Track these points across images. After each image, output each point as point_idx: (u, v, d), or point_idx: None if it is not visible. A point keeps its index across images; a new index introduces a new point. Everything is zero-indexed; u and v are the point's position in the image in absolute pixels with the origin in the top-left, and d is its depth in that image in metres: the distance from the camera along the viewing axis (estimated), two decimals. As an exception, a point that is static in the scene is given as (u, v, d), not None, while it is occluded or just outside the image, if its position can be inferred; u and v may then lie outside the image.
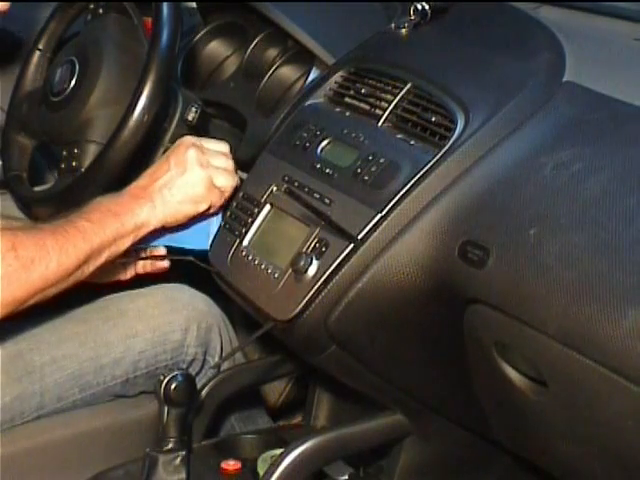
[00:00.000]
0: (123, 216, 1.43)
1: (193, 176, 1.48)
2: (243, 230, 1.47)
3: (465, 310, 1.26)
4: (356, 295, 1.31)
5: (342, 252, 1.32)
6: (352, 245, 1.31)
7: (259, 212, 1.46)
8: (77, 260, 1.38)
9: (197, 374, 1.62)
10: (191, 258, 1.51)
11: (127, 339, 1.51)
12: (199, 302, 1.59)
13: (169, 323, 1.54)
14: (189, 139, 1.53)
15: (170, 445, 1.41)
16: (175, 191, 1.48)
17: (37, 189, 1.78)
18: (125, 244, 1.45)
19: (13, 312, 1.35)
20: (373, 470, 1.60)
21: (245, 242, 1.46)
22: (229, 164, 1.53)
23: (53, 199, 1.68)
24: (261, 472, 1.47)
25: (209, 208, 1.51)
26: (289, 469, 1.42)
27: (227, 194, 1.52)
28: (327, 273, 1.32)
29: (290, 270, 1.36)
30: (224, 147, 1.55)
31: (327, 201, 1.38)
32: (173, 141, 1.70)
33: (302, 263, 1.33)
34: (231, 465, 1.49)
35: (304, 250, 1.36)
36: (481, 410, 1.37)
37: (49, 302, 1.40)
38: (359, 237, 1.31)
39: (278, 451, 1.47)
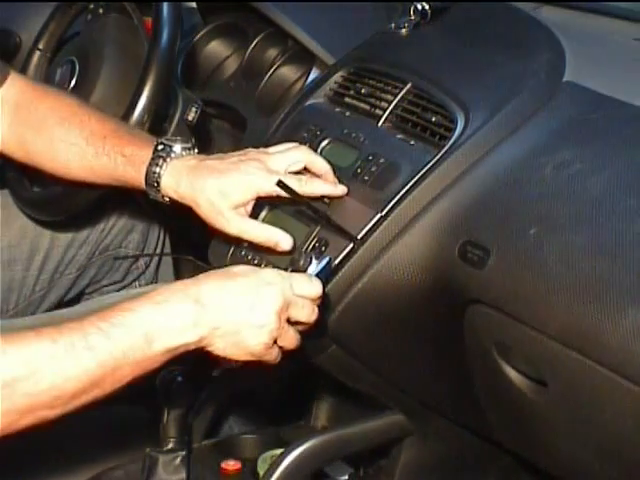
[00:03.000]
0: (155, 337, 1.10)
1: (258, 332, 1.15)
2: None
3: (465, 310, 1.26)
4: (356, 295, 1.31)
5: (342, 252, 1.32)
6: (352, 245, 1.31)
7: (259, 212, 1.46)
8: (80, 384, 1.07)
9: (197, 374, 1.62)
10: (190, 257, 1.51)
11: None
12: None
13: None
14: (284, 281, 1.18)
15: (170, 445, 1.41)
16: (232, 335, 1.15)
17: (37, 189, 1.78)
18: (152, 367, 1.12)
19: None
20: (373, 470, 1.60)
21: (245, 242, 1.46)
22: (311, 317, 1.20)
23: (53, 200, 1.68)
24: (261, 472, 1.47)
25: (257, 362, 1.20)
26: (289, 469, 1.42)
27: (285, 351, 1.21)
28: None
29: (289, 269, 1.36)
30: (316, 290, 1.20)
31: (327, 201, 1.38)
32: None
33: (301, 262, 1.33)
34: (231, 465, 1.49)
35: (303, 249, 1.36)
36: (481, 410, 1.37)
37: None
38: (359, 237, 1.31)
39: (278, 451, 1.47)
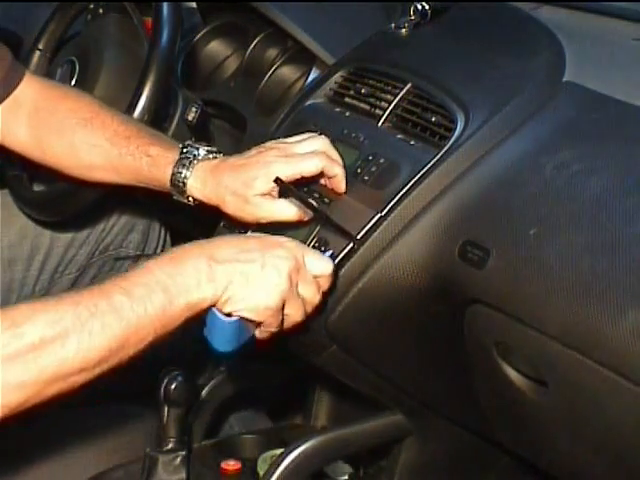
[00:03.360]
0: (174, 293, 1.12)
1: (270, 288, 1.18)
2: (242, 230, 1.47)
3: (465, 310, 1.26)
4: (356, 295, 1.31)
5: (341, 251, 1.32)
6: (351, 244, 1.31)
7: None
8: (107, 344, 1.08)
9: (197, 374, 1.62)
10: None
11: None
12: None
13: None
14: (297, 248, 1.22)
15: (170, 445, 1.41)
16: (244, 288, 1.17)
17: (37, 189, 1.78)
18: (172, 325, 1.14)
19: (21, 407, 1.05)
20: (373, 470, 1.60)
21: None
22: (315, 298, 1.23)
23: (53, 199, 1.69)
24: (261, 472, 1.47)
25: (259, 324, 1.21)
26: (289, 469, 1.42)
27: (287, 325, 1.23)
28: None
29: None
30: (326, 268, 1.24)
31: (326, 200, 1.38)
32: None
33: (300, 261, 1.33)
34: (231, 465, 1.49)
35: (303, 249, 1.36)
36: (481, 410, 1.37)
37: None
38: (358, 237, 1.31)
39: (278, 451, 1.47)
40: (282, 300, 1.18)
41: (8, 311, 1.04)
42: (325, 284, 1.24)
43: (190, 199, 1.39)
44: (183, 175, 1.38)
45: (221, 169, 1.37)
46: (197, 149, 1.40)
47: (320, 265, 1.23)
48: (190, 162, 1.38)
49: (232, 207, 1.36)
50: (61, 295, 1.08)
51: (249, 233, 1.25)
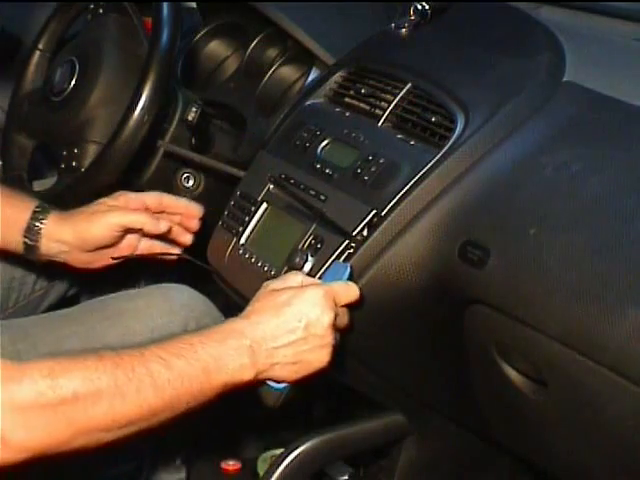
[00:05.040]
0: (213, 373, 1.15)
1: (318, 356, 1.22)
2: (240, 229, 1.47)
3: (465, 310, 1.26)
4: (356, 295, 1.31)
5: (337, 249, 1.32)
6: (346, 241, 1.31)
7: (256, 210, 1.47)
8: (138, 409, 1.10)
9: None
10: (190, 257, 1.52)
11: (125, 339, 1.51)
12: (197, 302, 1.59)
13: (167, 323, 1.54)
14: (327, 293, 1.23)
15: (170, 445, 1.41)
16: (290, 366, 1.21)
17: (37, 189, 1.78)
18: (207, 399, 1.16)
19: (43, 454, 1.07)
20: (373, 470, 1.60)
21: (242, 240, 1.46)
22: (348, 320, 1.27)
23: (53, 199, 1.68)
24: (261, 472, 1.48)
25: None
26: (289, 469, 1.42)
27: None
28: (322, 269, 1.32)
29: (286, 267, 1.36)
30: (355, 293, 1.27)
31: (322, 198, 1.38)
32: (173, 141, 1.71)
33: (297, 260, 1.33)
34: (231, 465, 1.50)
35: (300, 247, 1.36)
36: (481, 410, 1.37)
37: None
38: (353, 233, 1.31)
39: (278, 451, 1.47)
40: (332, 350, 1.22)
41: (47, 360, 1.07)
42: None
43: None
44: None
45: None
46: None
47: (350, 294, 1.26)
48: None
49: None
50: (102, 353, 1.10)
51: (281, 296, 1.24)
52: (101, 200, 1.53)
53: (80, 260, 1.52)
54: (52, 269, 1.69)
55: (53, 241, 1.50)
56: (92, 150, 1.67)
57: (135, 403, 1.09)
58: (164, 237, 1.56)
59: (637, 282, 1.08)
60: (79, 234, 1.50)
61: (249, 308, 1.22)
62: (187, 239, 1.57)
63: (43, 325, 1.49)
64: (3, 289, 1.62)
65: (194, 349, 1.14)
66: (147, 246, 1.56)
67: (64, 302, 1.73)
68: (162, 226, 1.52)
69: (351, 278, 1.28)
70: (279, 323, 1.20)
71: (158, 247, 1.56)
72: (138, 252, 1.56)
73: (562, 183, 1.21)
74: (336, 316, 1.22)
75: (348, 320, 1.26)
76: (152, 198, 1.55)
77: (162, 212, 1.55)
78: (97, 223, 1.50)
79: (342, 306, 1.25)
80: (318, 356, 1.21)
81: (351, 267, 1.28)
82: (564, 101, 1.34)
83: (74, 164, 1.69)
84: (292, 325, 1.20)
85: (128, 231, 1.52)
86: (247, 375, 1.17)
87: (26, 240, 1.50)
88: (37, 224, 1.50)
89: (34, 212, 1.50)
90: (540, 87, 1.37)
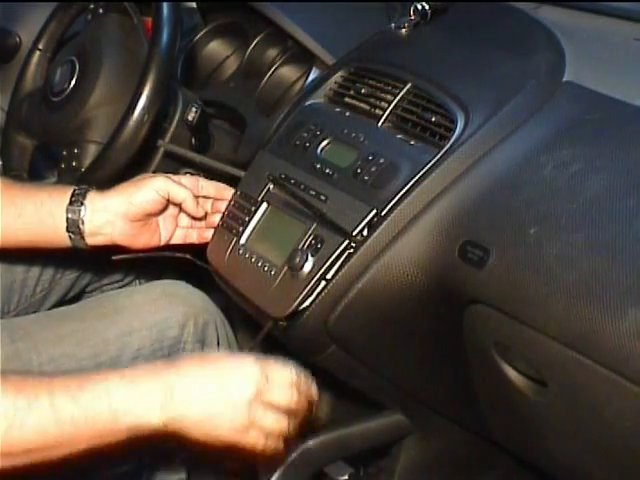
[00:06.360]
0: (120, 413, 1.13)
1: (227, 424, 1.18)
2: (240, 228, 1.47)
3: (465, 310, 1.26)
4: (356, 295, 1.31)
5: (337, 248, 1.32)
6: (347, 241, 1.31)
7: (256, 210, 1.47)
8: (35, 439, 1.09)
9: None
10: (188, 256, 1.52)
11: (124, 336, 1.51)
12: (196, 298, 1.59)
13: (166, 319, 1.54)
14: (255, 370, 1.20)
15: (170, 445, 1.41)
16: (199, 421, 1.17)
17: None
18: (113, 441, 1.14)
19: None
20: (373, 470, 1.60)
21: (242, 240, 1.46)
22: (292, 402, 1.22)
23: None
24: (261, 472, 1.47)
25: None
26: (289, 469, 1.42)
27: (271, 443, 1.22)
28: (322, 269, 1.32)
29: (286, 267, 1.36)
30: (290, 378, 1.23)
31: (323, 198, 1.38)
32: (173, 141, 1.71)
33: (297, 260, 1.33)
34: (231, 465, 1.49)
35: (300, 247, 1.36)
36: (481, 410, 1.37)
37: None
38: (353, 233, 1.31)
39: (278, 451, 1.47)
40: (245, 427, 1.17)
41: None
42: (305, 388, 1.24)
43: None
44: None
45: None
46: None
47: (283, 376, 1.21)
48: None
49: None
50: (7, 376, 1.08)
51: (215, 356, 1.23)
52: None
53: (124, 232, 1.48)
54: (52, 269, 1.69)
55: (98, 210, 1.47)
56: (92, 150, 1.67)
57: (33, 433, 1.08)
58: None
59: (637, 282, 1.08)
60: (126, 198, 1.47)
61: (188, 360, 1.20)
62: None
63: (42, 323, 1.49)
64: (4, 292, 1.62)
65: (103, 385, 1.12)
66: (182, 235, 1.55)
67: (65, 303, 1.73)
68: (200, 210, 1.51)
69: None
70: (199, 376, 1.17)
71: (193, 236, 1.54)
72: (173, 241, 1.54)
73: (562, 183, 1.21)
74: (262, 392, 1.18)
75: (289, 401, 1.21)
76: (189, 179, 1.54)
77: (197, 197, 1.54)
78: (143, 187, 1.48)
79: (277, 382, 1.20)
80: (228, 427, 1.17)
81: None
82: (564, 101, 1.34)
83: (74, 164, 1.69)
84: (213, 382, 1.17)
85: (169, 204, 1.51)
86: (154, 421, 1.13)
87: (69, 213, 1.46)
88: (80, 192, 1.47)
89: (76, 188, 1.48)
90: (540, 87, 1.37)
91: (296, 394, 1.22)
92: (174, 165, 1.73)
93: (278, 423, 1.21)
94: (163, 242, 1.53)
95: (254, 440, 1.20)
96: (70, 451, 1.11)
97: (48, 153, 1.88)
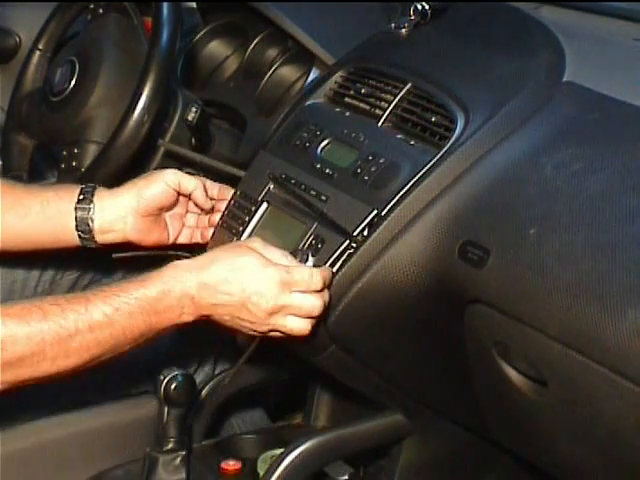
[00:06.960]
0: (154, 322, 1.26)
1: (251, 311, 1.28)
2: (240, 228, 1.47)
3: (465, 310, 1.26)
4: (356, 295, 1.31)
5: (337, 248, 1.32)
6: (347, 241, 1.31)
7: (256, 210, 1.46)
8: (79, 360, 1.23)
9: (196, 374, 1.62)
10: (187, 255, 1.51)
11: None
12: None
13: None
14: (278, 291, 1.28)
15: (170, 445, 1.41)
16: (227, 306, 1.28)
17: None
18: (149, 339, 1.27)
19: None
20: (373, 470, 1.60)
21: (242, 240, 1.46)
22: (313, 309, 1.30)
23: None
24: (261, 472, 1.47)
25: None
26: (289, 469, 1.42)
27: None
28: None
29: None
30: (315, 284, 1.30)
31: (323, 198, 1.38)
32: (173, 141, 1.71)
33: (298, 259, 1.33)
34: (231, 465, 1.49)
35: (300, 247, 1.36)
36: (481, 410, 1.37)
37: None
38: (354, 233, 1.31)
39: (278, 451, 1.47)
40: (266, 315, 1.27)
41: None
42: (324, 293, 1.30)
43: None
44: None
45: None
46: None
47: (314, 282, 1.28)
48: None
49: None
50: (47, 309, 1.20)
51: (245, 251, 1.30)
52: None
53: (136, 228, 1.47)
54: (53, 270, 1.69)
55: (107, 207, 1.46)
56: (92, 150, 1.67)
57: (77, 356, 1.21)
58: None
59: (637, 282, 1.08)
60: (135, 193, 1.46)
61: (209, 253, 1.32)
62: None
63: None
64: (4, 292, 1.62)
65: (135, 296, 1.23)
66: (188, 234, 1.54)
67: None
68: (208, 202, 1.51)
69: None
70: (225, 280, 1.26)
71: (198, 236, 1.55)
72: (179, 240, 1.54)
73: (562, 183, 1.21)
74: (287, 306, 1.26)
75: (317, 305, 1.28)
76: (198, 178, 1.54)
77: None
78: (153, 181, 1.47)
79: (314, 290, 1.27)
80: (252, 313, 1.26)
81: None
82: (564, 101, 1.34)
83: (74, 164, 1.69)
84: (235, 290, 1.26)
85: (178, 201, 1.51)
86: (187, 318, 1.26)
87: (78, 211, 1.46)
88: (88, 190, 1.47)
89: (83, 186, 1.48)
90: (540, 87, 1.37)
91: (319, 277, 1.29)
92: (174, 165, 1.72)
93: (307, 301, 1.28)
94: (171, 241, 1.52)
95: (282, 321, 1.28)
96: (116, 352, 1.25)
97: (48, 153, 1.88)
